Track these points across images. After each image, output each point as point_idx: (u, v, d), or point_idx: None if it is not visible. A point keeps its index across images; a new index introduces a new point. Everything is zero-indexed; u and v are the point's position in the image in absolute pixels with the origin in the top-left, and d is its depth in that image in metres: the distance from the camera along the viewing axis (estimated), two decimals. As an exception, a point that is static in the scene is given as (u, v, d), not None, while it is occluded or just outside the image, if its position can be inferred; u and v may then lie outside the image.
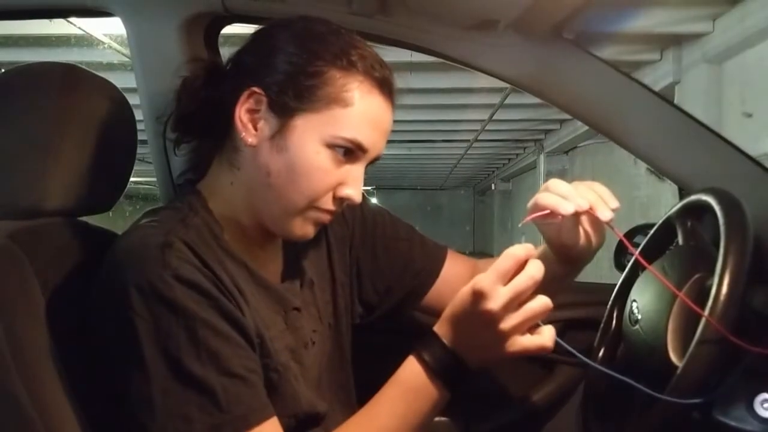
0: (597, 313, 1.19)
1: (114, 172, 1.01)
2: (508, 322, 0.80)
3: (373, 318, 1.17)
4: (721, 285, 0.81)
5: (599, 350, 1.12)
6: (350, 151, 0.87)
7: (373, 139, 0.88)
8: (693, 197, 1.00)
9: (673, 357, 0.86)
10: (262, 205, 0.89)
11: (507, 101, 7.06)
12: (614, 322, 1.13)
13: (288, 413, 0.89)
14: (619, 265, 1.38)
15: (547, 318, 1.44)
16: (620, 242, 1.42)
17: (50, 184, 0.89)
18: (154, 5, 1.22)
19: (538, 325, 0.85)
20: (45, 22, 4.50)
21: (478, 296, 0.80)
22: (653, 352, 0.89)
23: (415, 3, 1.19)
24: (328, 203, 0.88)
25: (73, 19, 4.32)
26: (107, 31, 4.83)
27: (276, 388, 0.88)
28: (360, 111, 0.86)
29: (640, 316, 0.96)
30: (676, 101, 5.01)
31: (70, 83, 0.94)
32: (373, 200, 21.67)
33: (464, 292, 0.83)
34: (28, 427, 0.73)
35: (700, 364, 0.79)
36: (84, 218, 1.00)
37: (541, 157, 10.55)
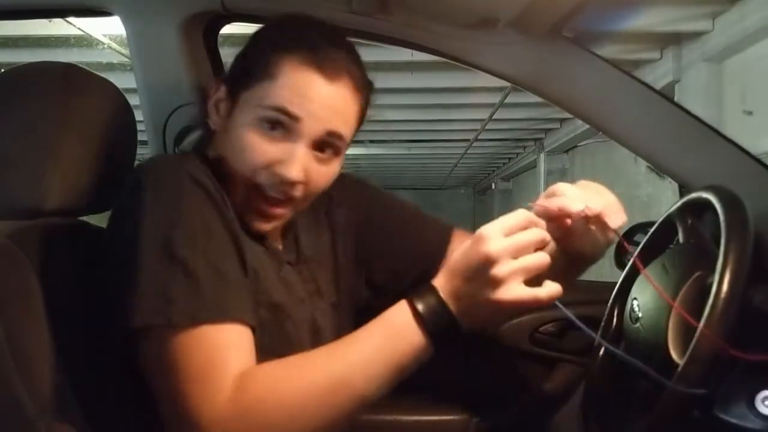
0: (597, 311, 1.19)
1: (114, 171, 1.01)
2: (503, 267, 0.77)
3: (384, 301, 1.15)
4: (722, 283, 0.80)
5: (600, 349, 1.12)
6: (280, 124, 0.87)
7: (305, 108, 0.87)
8: (693, 195, 1.00)
9: (674, 355, 0.86)
10: (234, 187, 0.92)
11: (507, 100, 7.06)
12: (615, 320, 1.13)
13: (276, 354, 0.86)
14: (620, 264, 1.38)
15: (546, 317, 1.45)
16: (621, 240, 1.42)
17: (50, 184, 0.89)
18: (153, 4, 1.22)
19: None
20: (44, 22, 4.50)
21: (477, 240, 0.78)
22: (654, 350, 0.89)
23: (414, 1, 1.19)
24: (265, 179, 0.89)
25: (72, 20, 4.33)
26: (107, 31, 4.83)
27: (265, 327, 0.88)
28: (285, 82, 0.87)
29: (640, 314, 0.96)
30: (676, 100, 5.01)
31: (70, 83, 0.94)
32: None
33: (466, 242, 0.81)
34: (29, 427, 0.73)
35: (701, 362, 0.79)
36: (84, 218, 1.00)
37: (542, 156, 10.55)
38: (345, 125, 0.91)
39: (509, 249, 0.77)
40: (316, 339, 0.99)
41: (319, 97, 0.88)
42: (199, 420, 0.74)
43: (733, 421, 0.82)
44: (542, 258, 0.79)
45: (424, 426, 1.42)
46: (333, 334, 1.03)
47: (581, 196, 0.89)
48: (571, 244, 0.94)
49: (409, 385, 1.47)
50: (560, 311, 1.03)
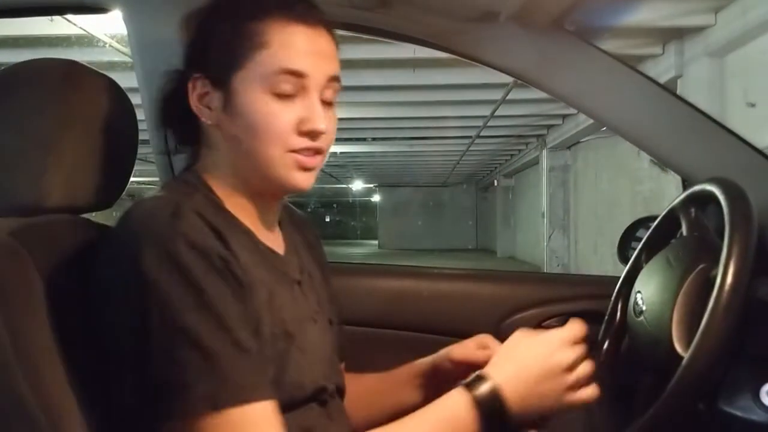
0: (601, 305, 1.19)
1: (115, 168, 1.00)
2: (571, 377, 0.87)
3: None
4: (726, 275, 0.80)
5: (604, 343, 1.12)
6: (289, 85, 0.88)
7: (308, 62, 0.88)
8: (697, 187, 1.00)
9: (678, 348, 0.85)
10: (250, 172, 0.91)
11: (509, 97, 7.06)
12: (618, 314, 1.13)
13: (294, 383, 0.88)
14: (623, 258, 1.38)
15: (550, 312, 1.45)
16: (623, 235, 1.42)
17: (51, 181, 0.89)
18: (153, 1, 1.22)
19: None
20: (45, 22, 4.51)
21: (551, 345, 0.88)
22: (658, 343, 0.89)
23: (415, -4, 1.18)
24: (298, 142, 0.89)
25: (73, 18, 4.33)
26: (107, 30, 4.84)
27: (282, 357, 0.88)
28: (280, 45, 0.87)
29: (644, 308, 0.96)
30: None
31: (71, 79, 0.93)
32: (376, 197, 21.72)
33: (532, 342, 0.90)
34: (31, 422, 0.73)
35: (706, 355, 0.79)
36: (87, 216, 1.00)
37: (544, 152, 10.55)
38: (338, 67, 0.93)
39: (579, 359, 0.87)
40: (324, 358, 0.99)
41: (313, 47, 0.90)
42: None
43: (738, 413, 0.81)
44: (589, 366, 0.89)
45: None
46: (334, 353, 1.03)
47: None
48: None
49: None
50: (563, 306, 1.04)
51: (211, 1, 0.93)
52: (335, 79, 0.92)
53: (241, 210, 0.93)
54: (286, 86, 0.87)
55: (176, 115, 0.95)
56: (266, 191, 0.94)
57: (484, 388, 0.85)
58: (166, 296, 0.75)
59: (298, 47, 0.88)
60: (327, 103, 0.92)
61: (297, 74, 0.87)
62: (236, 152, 0.90)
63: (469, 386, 0.86)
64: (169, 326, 0.75)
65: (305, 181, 0.92)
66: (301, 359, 0.91)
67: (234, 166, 0.92)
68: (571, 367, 0.86)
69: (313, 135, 0.89)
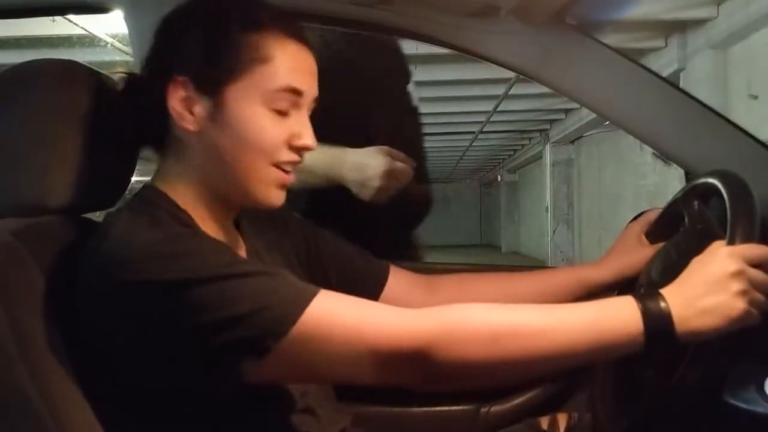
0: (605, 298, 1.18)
1: (117, 168, 1.01)
2: (738, 284, 0.78)
3: None
4: (729, 268, 0.80)
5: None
6: (289, 102, 0.89)
7: (304, 81, 0.90)
8: (699, 180, 1.00)
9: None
10: (224, 183, 0.91)
11: (511, 92, 7.05)
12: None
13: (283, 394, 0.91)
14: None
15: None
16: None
17: (53, 181, 0.89)
18: (154, 0, 1.22)
19: None
20: (47, 22, 4.51)
21: (717, 255, 0.80)
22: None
23: (415, -10, 1.18)
24: (286, 156, 0.90)
25: (74, 19, 4.34)
26: (109, 30, 4.85)
27: None
28: (282, 62, 0.88)
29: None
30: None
31: (71, 79, 0.93)
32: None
33: (697, 263, 0.82)
34: (36, 419, 0.73)
35: (710, 348, 0.79)
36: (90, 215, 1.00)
37: (547, 147, 10.54)
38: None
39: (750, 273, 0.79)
40: None
41: (309, 67, 0.92)
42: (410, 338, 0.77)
43: (743, 405, 0.81)
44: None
45: (434, 416, 1.42)
46: None
47: None
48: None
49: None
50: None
51: (192, 2, 0.91)
52: (316, 99, 0.94)
53: (206, 221, 0.92)
54: (283, 103, 0.88)
55: (147, 115, 0.92)
56: (234, 203, 0.95)
57: (654, 303, 0.78)
58: (187, 272, 0.76)
59: (299, 66, 0.90)
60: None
61: (297, 92, 0.89)
62: (214, 163, 0.90)
63: (640, 297, 0.80)
64: (208, 281, 0.75)
65: (279, 199, 0.93)
66: None
67: (204, 177, 0.91)
68: (738, 275, 0.77)
69: (301, 150, 0.91)
